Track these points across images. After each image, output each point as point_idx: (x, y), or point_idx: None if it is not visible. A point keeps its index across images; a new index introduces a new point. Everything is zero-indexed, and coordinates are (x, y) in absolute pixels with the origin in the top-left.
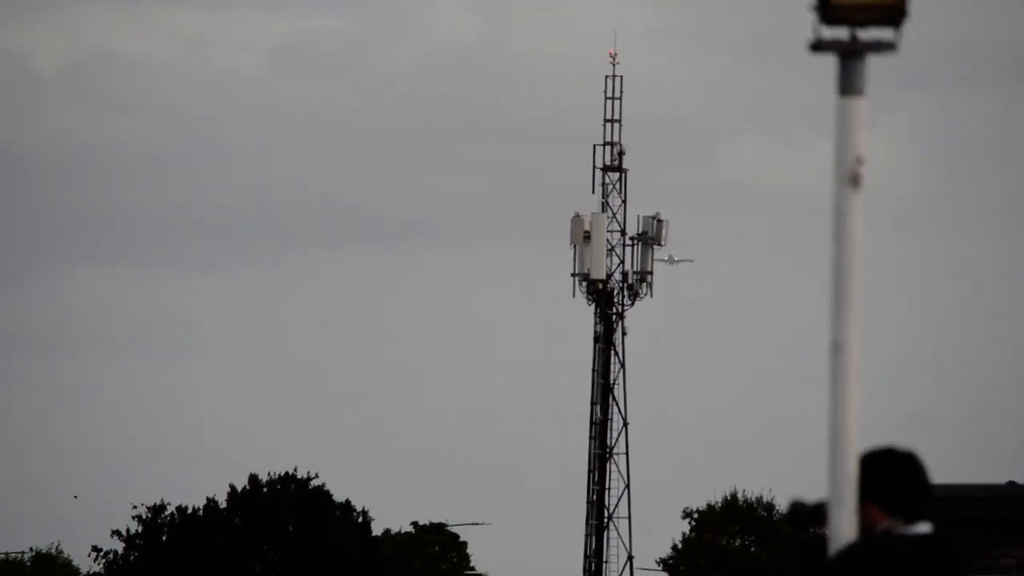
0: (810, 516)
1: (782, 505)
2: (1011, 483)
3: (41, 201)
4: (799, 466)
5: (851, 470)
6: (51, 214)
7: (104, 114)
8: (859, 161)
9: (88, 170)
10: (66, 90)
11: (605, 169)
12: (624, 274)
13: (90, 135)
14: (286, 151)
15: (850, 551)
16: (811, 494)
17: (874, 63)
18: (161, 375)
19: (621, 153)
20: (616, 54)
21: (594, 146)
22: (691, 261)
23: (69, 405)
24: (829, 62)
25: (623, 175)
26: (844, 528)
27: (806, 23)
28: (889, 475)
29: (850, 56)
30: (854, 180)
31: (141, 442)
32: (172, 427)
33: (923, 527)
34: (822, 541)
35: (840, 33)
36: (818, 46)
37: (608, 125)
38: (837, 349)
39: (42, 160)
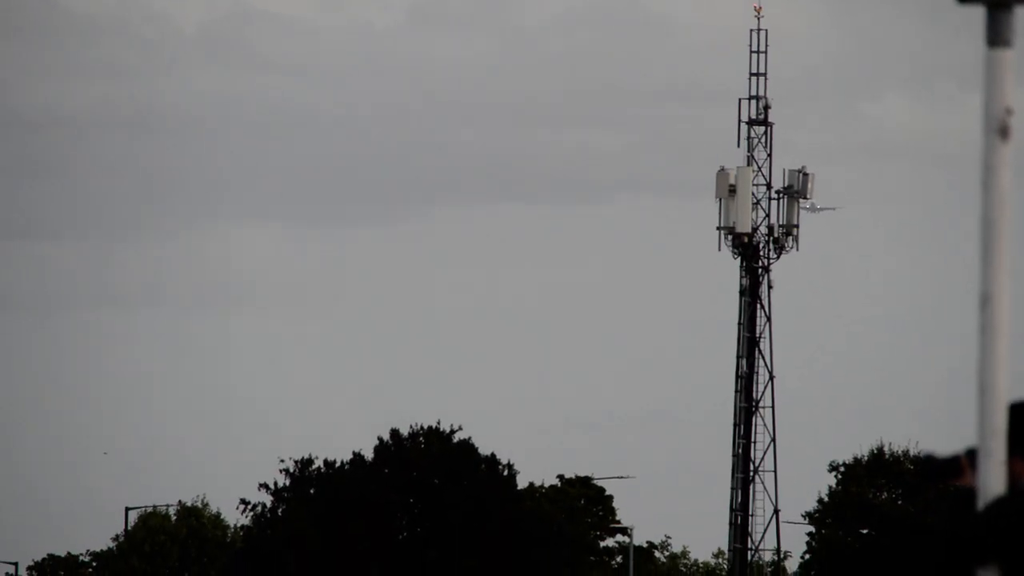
0: (942, 469)
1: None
2: None
3: (176, 159)
4: (946, 419)
5: (999, 424)
6: (190, 171)
7: (244, 71)
8: (1008, 112)
9: (228, 126)
10: (207, 47)
11: (750, 123)
12: (770, 227)
13: (229, 91)
14: (423, 107)
15: (998, 506)
16: (954, 447)
17: (1022, 15)
18: (307, 330)
19: (767, 107)
20: (760, 8)
21: (739, 100)
22: (833, 209)
23: (213, 360)
24: (976, 14)
25: (768, 129)
26: (993, 481)
27: None
28: None
29: (998, 6)
30: (1003, 131)
31: (289, 396)
32: (318, 381)
33: None
34: (971, 494)
35: None
36: None
37: (753, 79)
38: (986, 301)
39: (183, 116)
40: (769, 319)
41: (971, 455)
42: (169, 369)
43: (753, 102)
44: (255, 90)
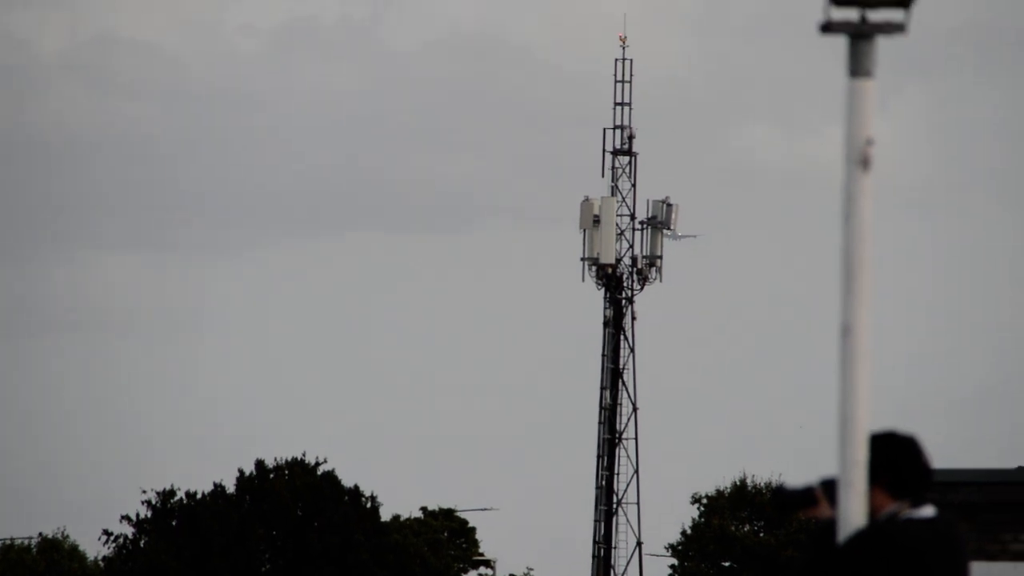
0: (796, 501)
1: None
2: (1021, 468)
3: (44, 185)
4: (808, 451)
5: (860, 454)
6: (56, 198)
7: (107, 97)
8: (869, 143)
9: (92, 153)
10: (69, 73)
11: (615, 153)
12: (633, 258)
13: (92, 118)
14: (289, 134)
15: (859, 537)
16: (814, 479)
17: (883, 47)
18: (170, 359)
19: (631, 137)
20: (626, 38)
21: (604, 129)
22: (695, 236)
23: (77, 389)
24: (839, 44)
25: (633, 159)
26: (854, 512)
27: (816, 5)
28: (895, 459)
29: (860, 37)
30: (864, 162)
31: (151, 427)
32: (181, 412)
33: (928, 511)
34: (832, 526)
35: (850, 14)
36: (828, 27)
37: (618, 108)
38: (847, 331)
39: (45, 143)
40: (633, 350)
41: (826, 486)
42: (25, 397)
43: (617, 132)
44: (119, 118)
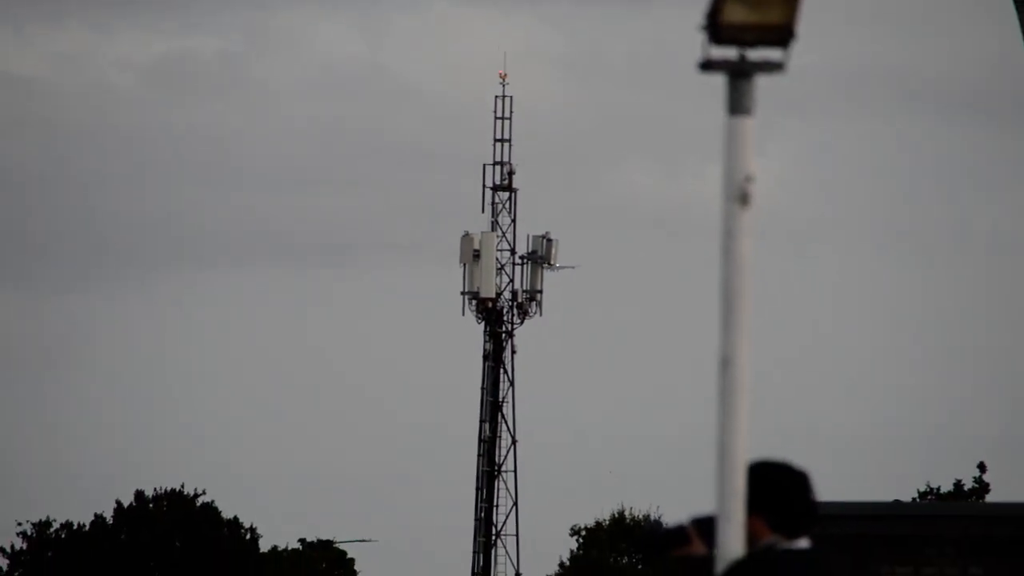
0: (669, 540)
1: (669, 523)
2: (897, 501)
3: None
4: (686, 483)
5: (739, 486)
6: None
7: None
8: (748, 180)
9: None
10: None
11: (495, 188)
12: (513, 292)
13: None
14: (165, 172)
15: (737, 567)
16: (691, 511)
17: (762, 87)
18: (46, 390)
19: (511, 173)
20: (506, 75)
21: (484, 165)
22: (573, 267)
23: None
24: (717, 84)
25: (513, 195)
26: (732, 545)
27: (695, 45)
28: (781, 491)
29: (739, 75)
30: (743, 198)
31: (26, 457)
32: (57, 442)
33: (803, 542)
34: (706, 564)
35: (729, 53)
36: (707, 65)
37: (498, 145)
38: (726, 364)
39: None
40: (512, 383)
41: (698, 523)
42: None
43: (498, 168)
44: None
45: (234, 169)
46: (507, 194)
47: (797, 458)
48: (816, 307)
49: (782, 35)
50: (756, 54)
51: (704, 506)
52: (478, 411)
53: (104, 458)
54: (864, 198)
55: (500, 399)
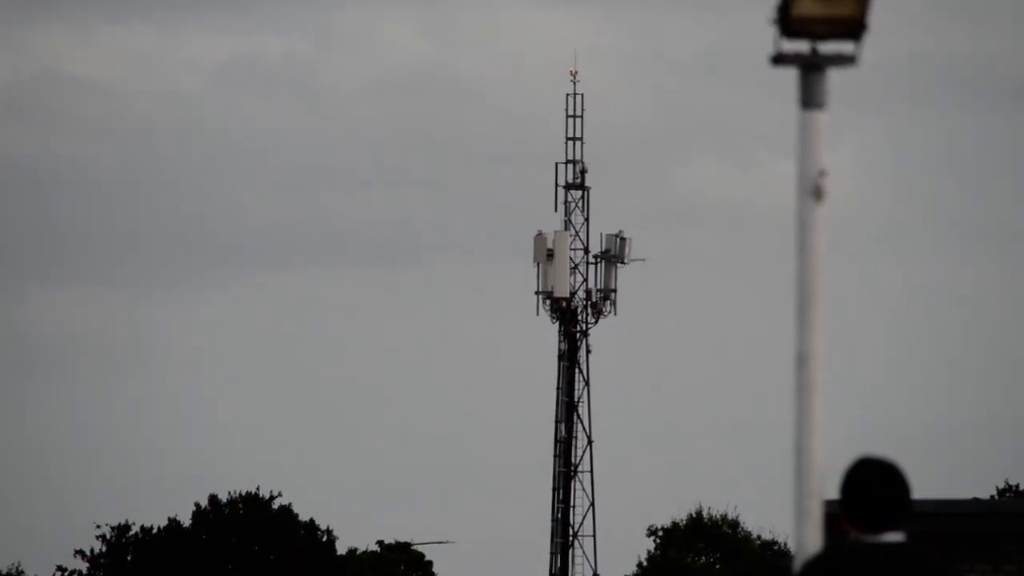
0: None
1: (747, 522)
2: (975, 499)
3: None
4: (764, 483)
5: (815, 484)
6: (2, 232)
7: (50, 134)
8: (822, 174)
9: (34, 190)
10: (13, 109)
11: (567, 187)
12: (588, 292)
13: (37, 155)
14: (237, 173)
15: (814, 561)
16: (771, 511)
17: (835, 82)
18: (123, 393)
19: (583, 171)
20: (576, 72)
21: (556, 164)
22: (643, 260)
23: (30, 423)
24: (789, 77)
25: (585, 193)
26: (809, 542)
27: (765, 39)
28: (856, 485)
29: (811, 69)
30: (817, 193)
31: (105, 461)
32: (135, 445)
33: (893, 536)
34: (789, 567)
35: (801, 46)
36: (779, 59)
37: (570, 143)
38: (803, 361)
39: None
40: (587, 383)
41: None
42: None
43: (570, 166)
44: (61, 153)
45: (304, 170)
46: (579, 192)
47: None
48: (893, 303)
49: (854, 28)
50: (828, 47)
51: (782, 504)
52: (553, 411)
53: (180, 461)
54: (938, 193)
55: (576, 399)
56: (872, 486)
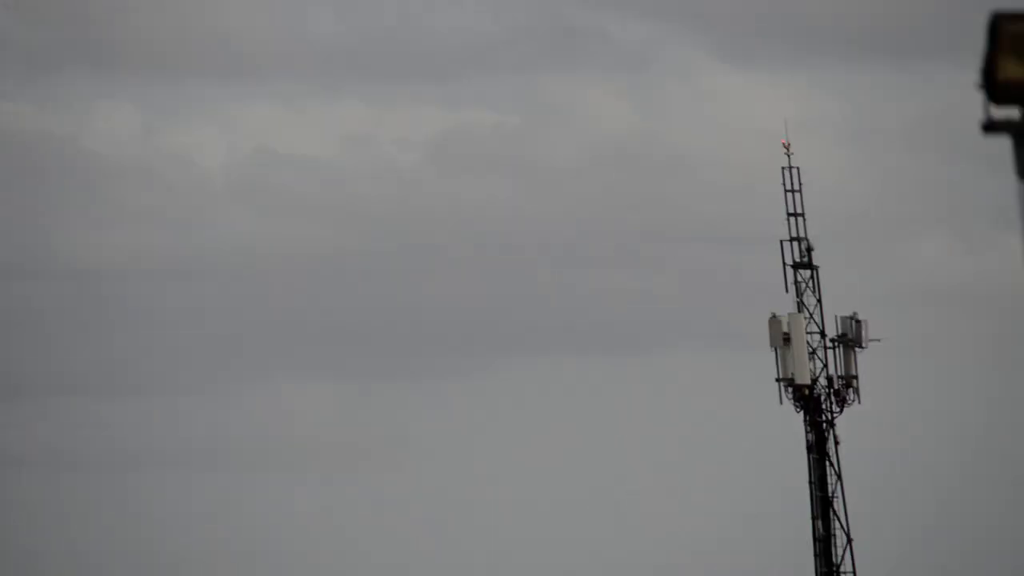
0: None
1: None
2: None
3: (210, 305)
4: None
5: None
6: (230, 318)
7: (267, 213)
8: None
9: (255, 271)
10: (232, 190)
11: (795, 266)
12: (829, 378)
13: (254, 235)
14: (456, 249)
15: None
16: None
17: None
18: (374, 495)
19: (810, 249)
20: (789, 144)
21: (781, 242)
22: (879, 340)
23: (278, 525)
24: (1003, 145)
25: (814, 272)
26: None
27: (973, 105)
28: None
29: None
30: None
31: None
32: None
33: None
34: None
35: (1011, 112)
36: (990, 127)
37: (792, 219)
38: None
39: (213, 261)
40: (839, 476)
41: None
42: (223, 531)
43: (795, 243)
44: (282, 233)
45: (520, 248)
46: (808, 272)
47: None
48: None
49: None
50: None
51: None
52: (807, 507)
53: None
54: None
55: (829, 493)
56: None
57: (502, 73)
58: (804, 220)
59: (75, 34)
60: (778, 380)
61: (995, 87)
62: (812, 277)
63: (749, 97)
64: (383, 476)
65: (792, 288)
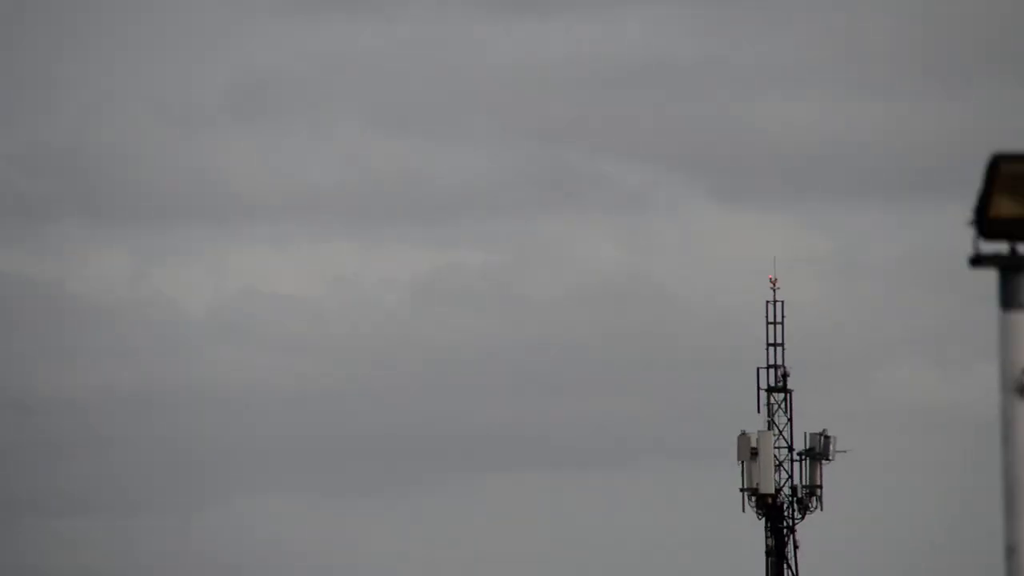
0: None
1: None
2: None
3: (202, 435)
4: None
5: None
6: (212, 447)
7: (252, 352)
8: (1023, 372)
9: (238, 403)
10: (215, 329)
11: (770, 390)
12: (793, 488)
13: (238, 370)
14: (438, 383)
15: None
16: None
17: None
18: None
19: (785, 375)
20: (776, 280)
21: (758, 369)
22: (846, 451)
23: None
24: (987, 279)
25: (788, 396)
26: None
27: (960, 241)
28: None
29: (1010, 270)
30: (1020, 390)
31: None
32: None
33: None
34: None
35: (999, 247)
36: (977, 260)
37: (771, 348)
38: (1011, 552)
39: (192, 393)
40: None
41: None
42: None
43: (771, 371)
44: (265, 368)
45: (503, 375)
46: (782, 395)
47: None
48: None
49: None
50: None
51: None
52: None
53: None
54: None
55: None
56: None
57: (496, 214)
58: (784, 349)
59: (71, 185)
60: (742, 489)
61: (986, 223)
62: (785, 399)
63: (739, 236)
64: None
65: (764, 409)
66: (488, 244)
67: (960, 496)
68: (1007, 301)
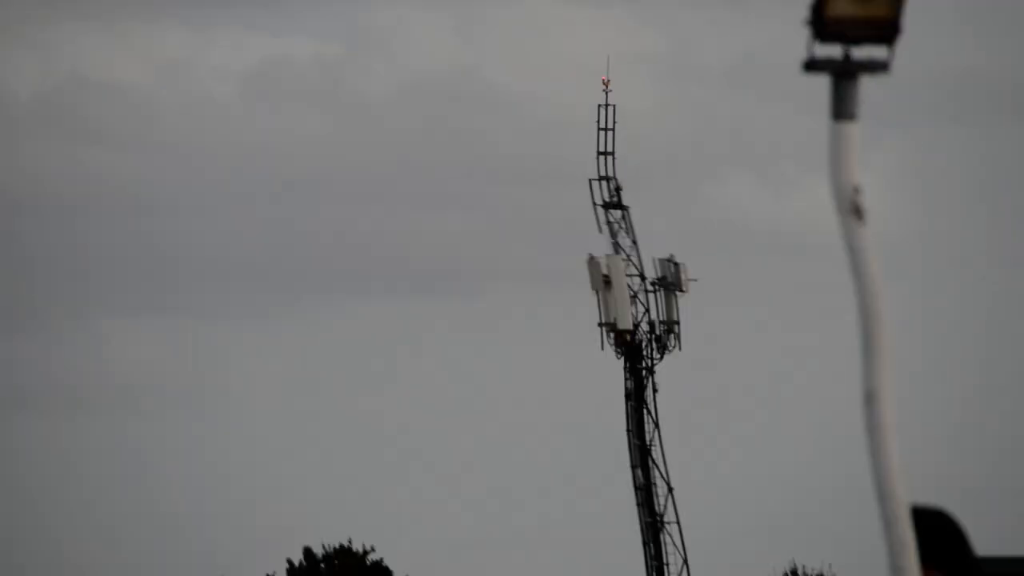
0: None
1: None
2: None
3: (21, 237)
4: (859, 533)
5: (905, 535)
6: (34, 253)
7: (78, 143)
8: (856, 191)
9: (62, 202)
10: (41, 117)
11: (606, 206)
12: (651, 324)
13: (64, 165)
14: (266, 186)
15: None
16: (867, 565)
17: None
18: (208, 446)
19: (619, 188)
20: (609, 81)
21: (589, 180)
22: (696, 280)
23: (106, 471)
24: (821, 85)
25: (626, 213)
26: None
27: (798, 46)
28: (960, 543)
29: (844, 76)
30: (857, 211)
31: (199, 516)
32: (228, 500)
33: None
34: None
35: (834, 51)
36: (811, 65)
37: (602, 158)
38: (870, 398)
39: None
40: (657, 425)
41: None
42: (57, 478)
43: (604, 183)
44: (90, 163)
45: (332, 184)
46: (619, 212)
47: (953, 504)
48: (929, 330)
49: (888, 30)
50: (861, 53)
51: (879, 559)
52: (627, 456)
53: (272, 513)
54: (970, 209)
55: (648, 442)
56: (966, 540)
57: (327, 1)
58: (614, 159)
59: None
60: (600, 325)
61: (822, 23)
62: (624, 217)
63: (572, 29)
64: (221, 439)
65: (605, 228)
66: (319, 34)
67: (819, 328)
68: (839, 111)
